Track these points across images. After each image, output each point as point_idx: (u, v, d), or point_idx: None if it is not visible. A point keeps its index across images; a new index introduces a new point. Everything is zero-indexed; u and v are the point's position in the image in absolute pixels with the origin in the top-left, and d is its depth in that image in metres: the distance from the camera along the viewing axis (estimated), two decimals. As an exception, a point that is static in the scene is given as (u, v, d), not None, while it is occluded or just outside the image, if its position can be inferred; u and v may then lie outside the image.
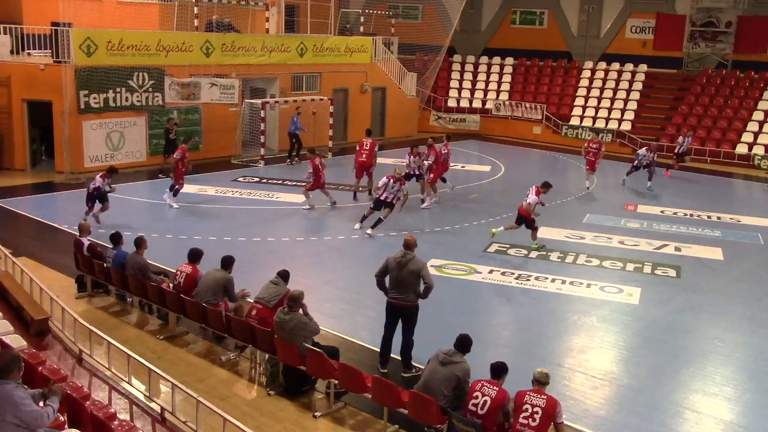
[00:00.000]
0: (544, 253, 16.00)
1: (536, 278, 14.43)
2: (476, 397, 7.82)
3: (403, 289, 10.04)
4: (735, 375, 10.89)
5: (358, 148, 20.29)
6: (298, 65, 27.60)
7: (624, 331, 12.41)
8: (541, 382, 7.72)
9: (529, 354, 11.14)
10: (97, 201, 16.42)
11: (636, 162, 23.64)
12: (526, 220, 16.05)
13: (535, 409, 7.45)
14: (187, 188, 20.75)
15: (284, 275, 10.47)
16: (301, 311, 9.60)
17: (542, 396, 7.55)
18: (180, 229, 16.51)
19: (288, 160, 25.19)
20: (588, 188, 22.92)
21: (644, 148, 24.13)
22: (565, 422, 8.71)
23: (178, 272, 11.35)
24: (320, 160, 18.69)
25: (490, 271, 14.67)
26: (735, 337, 12.27)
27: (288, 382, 9.68)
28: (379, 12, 33.58)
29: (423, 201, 19.61)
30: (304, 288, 10.15)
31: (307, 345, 9.39)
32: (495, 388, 7.81)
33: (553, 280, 14.35)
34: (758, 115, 30.72)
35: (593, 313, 12.92)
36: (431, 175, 19.53)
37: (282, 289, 10.22)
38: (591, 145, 23.50)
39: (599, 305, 13.30)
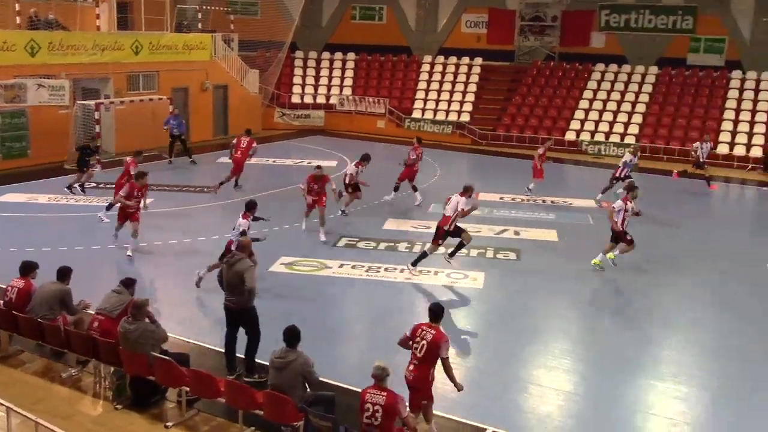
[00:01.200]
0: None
1: (386, 269, 14.70)
2: (418, 342, 8.20)
3: (232, 291, 9.89)
4: (571, 348, 11.64)
5: (235, 144, 20.86)
6: (133, 64, 26.50)
7: (470, 314, 12.91)
8: (378, 377, 7.54)
9: (384, 345, 11.29)
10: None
11: (621, 172, 20.93)
12: (615, 234, 14.90)
13: (376, 408, 7.38)
14: (15, 197, 19.52)
15: (127, 283, 10.05)
16: (147, 319, 9.26)
17: (382, 393, 7.44)
18: (9, 241, 15.42)
19: (190, 160, 25.01)
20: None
21: (628, 154, 21.72)
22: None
23: (9, 288, 10.60)
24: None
25: (341, 266, 14.79)
26: (571, 313, 13.11)
27: (136, 394, 9.31)
28: (217, 8, 32.85)
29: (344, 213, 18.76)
30: (150, 295, 9.81)
31: (154, 354, 9.07)
32: (433, 331, 8.21)
33: (402, 271, 14.66)
34: (584, 104, 32.84)
35: (442, 300, 13.30)
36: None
37: (125, 297, 9.81)
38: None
39: (447, 291, 13.77)
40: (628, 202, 14.76)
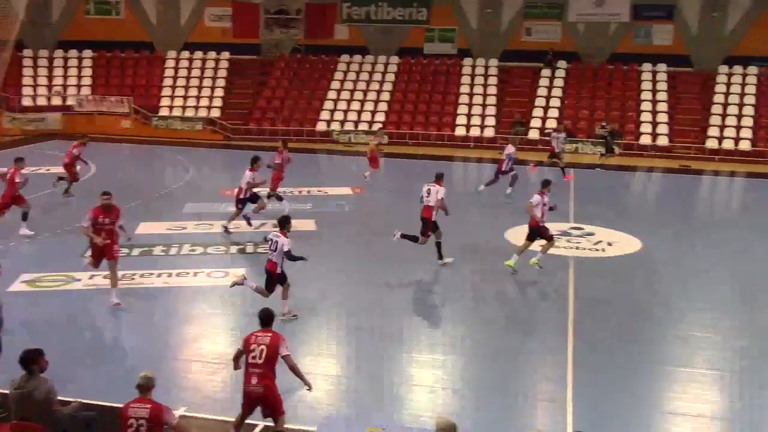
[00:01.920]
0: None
1: (141, 276, 14.02)
2: (254, 349, 7.97)
3: None
4: (335, 333, 11.96)
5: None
6: None
7: (234, 312, 12.71)
8: (144, 387, 7.15)
9: (145, 355, 10.80)
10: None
11: (506, 166, 20.90)
12: (537, 231, 14.33)
13: (140, 422, 6.96)
14: None
15: None
16: None
17: (146, 406, 7.02)
18: None
19: None
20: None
21: (510, 146, 21.51)
22: (187, 414, 8.73)
23: None
24: None
25: (91, 277, 13.79)
26: (332, 299, 13.41)
27: None
28: None
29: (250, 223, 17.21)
30: None
31: None
32: (269, 334, 8.09)
33: (159, 275, 14.08)
34: (332, 95, 33.72)
35: (203, 301, 13.02)
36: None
37: None
38: None
39: (208, 292, 13.45)
40: (544, 196, 14.36)
